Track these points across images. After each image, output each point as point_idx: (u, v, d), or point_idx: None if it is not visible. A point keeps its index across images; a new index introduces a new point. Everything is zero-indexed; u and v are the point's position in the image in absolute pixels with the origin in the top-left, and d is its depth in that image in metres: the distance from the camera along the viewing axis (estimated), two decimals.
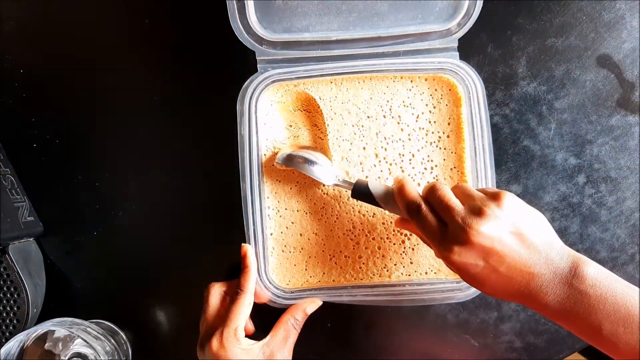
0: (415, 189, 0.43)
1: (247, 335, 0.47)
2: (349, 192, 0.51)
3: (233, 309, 0.46)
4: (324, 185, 0.51)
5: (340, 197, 0.51)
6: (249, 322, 0.50)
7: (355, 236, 0.51)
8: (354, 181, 0.47)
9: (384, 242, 0.51)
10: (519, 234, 0.37)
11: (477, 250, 0.37)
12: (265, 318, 0.50)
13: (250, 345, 0.46)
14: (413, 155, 0.51)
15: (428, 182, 0.51)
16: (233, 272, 0.51)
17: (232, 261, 0.51)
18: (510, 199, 0.38)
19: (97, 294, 0.56)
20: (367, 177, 0.51)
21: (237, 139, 0.49)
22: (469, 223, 0.37)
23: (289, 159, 0.49)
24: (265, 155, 0.51)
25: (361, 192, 0.46)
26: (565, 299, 0.36)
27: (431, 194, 0.41)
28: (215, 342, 0.44)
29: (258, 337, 0.47)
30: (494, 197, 0.39)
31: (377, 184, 0.46)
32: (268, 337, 0.47)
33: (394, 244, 0.51)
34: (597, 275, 0.36)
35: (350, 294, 0.50)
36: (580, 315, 0.36)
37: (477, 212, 0.38)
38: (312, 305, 0.50)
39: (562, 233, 0.53)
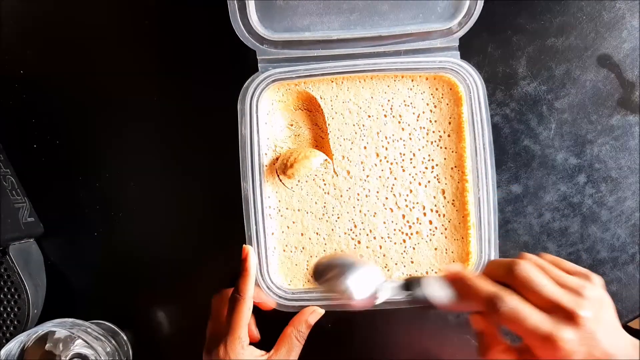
0: (485, 282, 0.38)
1: (253, 343, 0.47)
2: (350, 190, 0.51)
3: (234, 317, 0.46)
4: (324, 182, 0.51)
5: (341, 196, 0.51)
6: (254, 328, 0.49)
7: (356, 235, 0.51)
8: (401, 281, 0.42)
9: (385, 241, 0.51)
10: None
11: (582, 337, 0.35)
12: (268, 324, 0.49)
13: (255, 357, 0.46)
14: (414, 155, 0.51)
15: (429, 181, 0.51)
16: (237, 277, 0.50)
17: (234, 263, 0.51)
18: None
19: (98, 294, 0.56)
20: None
21: (237, 139, 0.49)
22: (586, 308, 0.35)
23: (321, 273, 0.44)
24: (266, 154, 0.51)
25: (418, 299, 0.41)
26: None
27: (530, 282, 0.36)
28: (221, 351, 0.45)
29: (263, 343, 0.48)
30: (598, 303, 0.37)
31: (432, 287, 0.40)
32: (272, 351, 0.47)
33: (395, 243, 0.51)
34: None
35: None
36: None
37: (592, 302, 0.36)
38: (313, 315, 0.49)
39: (562, 233, 0.53)
